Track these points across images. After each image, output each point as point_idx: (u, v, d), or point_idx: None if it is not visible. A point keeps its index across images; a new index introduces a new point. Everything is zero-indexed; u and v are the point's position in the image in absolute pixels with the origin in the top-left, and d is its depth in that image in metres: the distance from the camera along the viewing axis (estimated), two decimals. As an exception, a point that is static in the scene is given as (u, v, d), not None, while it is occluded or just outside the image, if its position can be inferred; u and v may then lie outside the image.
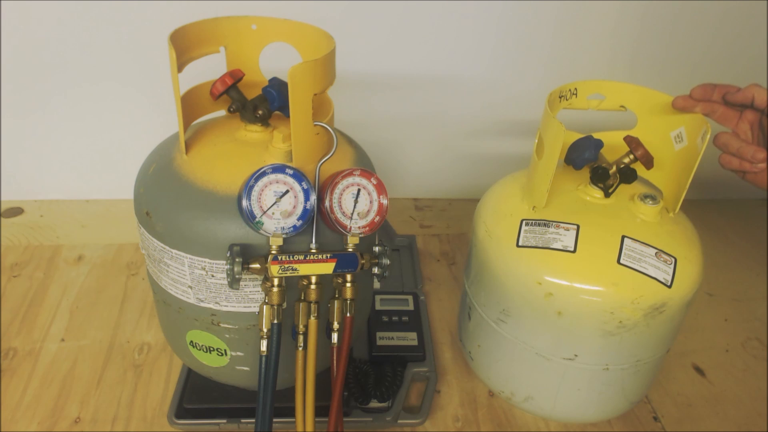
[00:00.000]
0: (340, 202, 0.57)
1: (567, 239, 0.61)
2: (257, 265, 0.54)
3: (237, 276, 0.54)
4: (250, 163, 0.58)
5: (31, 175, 1.06)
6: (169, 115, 0.61)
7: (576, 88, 0.66)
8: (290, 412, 0.58)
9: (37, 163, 1.04)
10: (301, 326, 0.57)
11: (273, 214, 0.54)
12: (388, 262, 0.60)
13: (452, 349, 0.84)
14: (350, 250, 0.57)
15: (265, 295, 0.56)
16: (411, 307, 0.85)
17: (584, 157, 0.66)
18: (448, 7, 0.94)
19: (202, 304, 0.60)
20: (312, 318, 0.57)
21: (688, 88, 0.62)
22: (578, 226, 0.62)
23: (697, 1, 0.97)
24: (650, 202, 0.63)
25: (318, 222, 0.57)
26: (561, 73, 1.01)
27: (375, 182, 0.58)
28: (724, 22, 1.00)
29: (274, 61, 0.67)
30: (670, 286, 0.59)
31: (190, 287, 0.59)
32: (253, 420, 0.59)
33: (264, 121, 0.62)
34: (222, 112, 0.66)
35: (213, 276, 0.57)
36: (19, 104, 0.98)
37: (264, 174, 0.54)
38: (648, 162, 0.64)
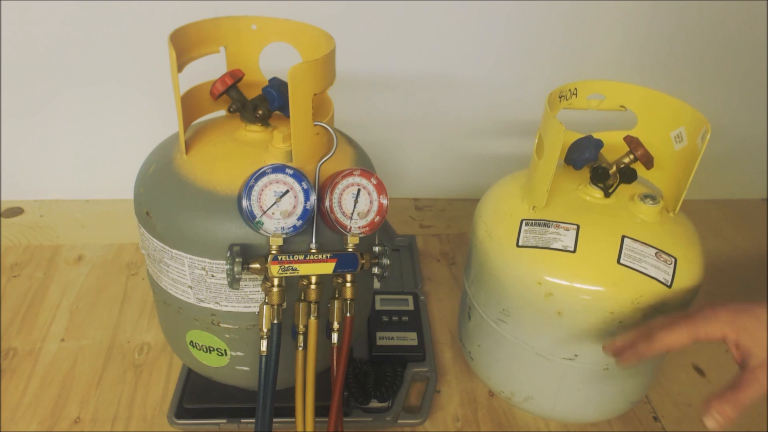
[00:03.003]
0: (340, 202, 0.57)
1: (567, 239, 0.61)
2: (257, 265, 0.54)
3: (237, 276, 0.54)
4: (250, 163, 0.58)
5: (31, 175, 1.06)
6: (169, 115, 0.61)
7: (576, 88, 0.66)
8: (290, 412, 0.58)
9: (37, 163, 1.04)
10: (301, 326, 0.57)
11: (273, 214, 0.54)
12: (388, 262, 0.60)
13: (452, 349, 0.84)
14: (350, 250, 0.57)
15: (265, 295, 0.56)
16: (411, 307, 0.85)
17: (584, 157, 0.66)
18: (448, 8, 0.94)
19: (202, 304, 0.60)
20: (312, 318, 0.57)
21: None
22: (578, 226, 0.62)
23: (704, 2, 0.97)
24: (650, 202, 0.63)
25: (318, 222, 0.57)
26: (567, 76, 1.00)
27: (375, 182, 0.58)
28: (719, 22, 1.00)
29: (274, 61, 0.67)
30: (670, 286, 0.59)
31: (190, 287, 0.59)
32: (253, 420, 0.59)
33: (264, 121, 0.62)
34: (222, 112, 0.66)
35: (213, 276, 0.57)
36: (19, 104, 0.98)
37: (264, 174, 0.54)
38: (648, 162, 0.64)
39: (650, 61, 1.02)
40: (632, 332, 0.56)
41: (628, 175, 0.64)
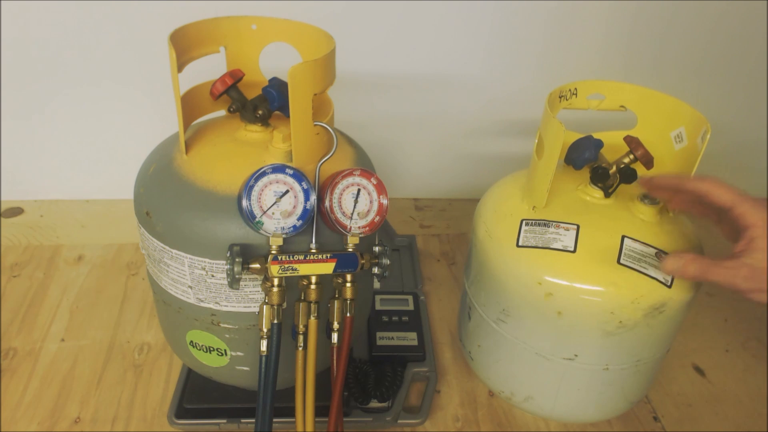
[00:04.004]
0: (340, 202, 0.57)
1: (567, 239, 0.61)
2: (257, 265, 0.54)
3: (237, 276, 0.54)
4: (250, 163, 0.58)
5: (31, 175, 1.06)
6: (169, 115, 0.61)
7: (576, 88, 0.66)
8: (290, 412, 0.58)
9: (37, 163, 1.04)
10: (301, 326, 0.57)
11: (273, 214, 0.54)
12: (388, 262, 0.60)
13: (452, 349, 0.84)
14: (350, 250, 0.57)
15: (265, 295, 0.56)
16: (411, 307, 0.85)
17: (584, 157, 0.66)
18: (447, 7, 0.94)
19: (202, 304, 0.60)
20: (312, 318, 0.57)
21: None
22: (578, 226, 0.62)
23: (689, 1, 0.97)
24: (650, 202, 0.63)
25: (318, 222, 0.57)
26: (556, 69, 1.01)
27: (375, 182, 0.58)
28: (719, 22, 1.00)
29: (274, 61, 0.67)
30: (670, 286, 0.59)
31: (190, 287, 0.59)
32: (253, 420, 0.59)
33: (264, 121, 0.62)
34: (222, 112, 0.66)
35: (213, 276, 0.57)
36: (19, 104, 0.98)
37: (264, 174, 0.54)
38: (648, 162, 0.64)
39: (643, 57, 1.02)
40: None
41: (628, 175, 0.64)
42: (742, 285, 0.50)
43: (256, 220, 0.54)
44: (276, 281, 0.55)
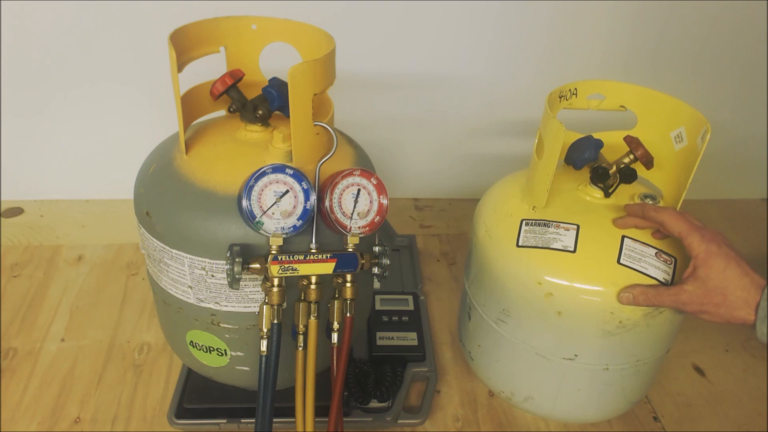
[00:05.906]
0: (340, 202, 0.57)
1: (567, 239, 0.61)
2: (257, 265, 0.54)
3: (237, 276, 0.54)
4: (250, 163, 0.58)
5: (31, 175, 1.06)
6: (169, 115, 0.61)
7: (576, 88, 0.66)
8: (290, 412, 0.58)
9: (37, 163, 1.04)
10: (301, 326, 0.57)
11: (273, 214, 0.54)
12: (388, 262, 0.60)
13: (452, 349, 0.84)
14: (350, 250, 0.57)
15: (265, 295, 0.56)
16: (411, 307, 0.85)
17: (584, 157, 0.66)
18: (446, 7, 0.94)
19: (202, 304, 0.60)
20: (312, 318, 0.57)
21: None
22: (578, 226, 0.62)
23: (689, 1, 0.97)
24: (650, 202, 0.63)
25: (318, 222, 0.57)
26: (556, 70, 1.01)
27: (375, 182, 0.58)
28: (719, 22, 1.00)
29: (274, 61, 0.67)
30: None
31: (190, 287, 0.59)
32: (253, 420, 0.59)
33: (264, 121, 0.62)
34: (222, 112, 0.66)
35: (213, 276, 0.57)
36: (19, 104, 0.98)
37: (264, 174, 0.54)
38: (648, 162, 0.64)
39: (643, 58, 1.02)
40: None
41: (628, 175, 0.64)
42: (684, 308, 0.57)
43: (256, 220, 0.54)
44: (276, 281, 0.55)
